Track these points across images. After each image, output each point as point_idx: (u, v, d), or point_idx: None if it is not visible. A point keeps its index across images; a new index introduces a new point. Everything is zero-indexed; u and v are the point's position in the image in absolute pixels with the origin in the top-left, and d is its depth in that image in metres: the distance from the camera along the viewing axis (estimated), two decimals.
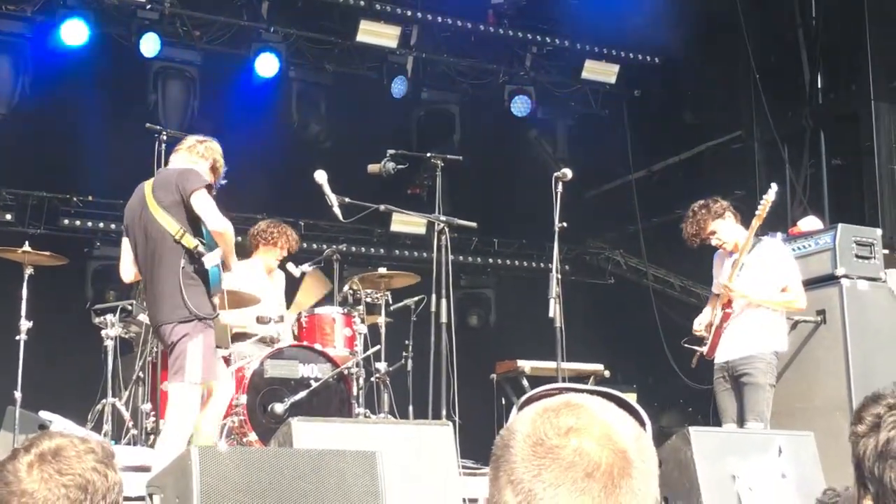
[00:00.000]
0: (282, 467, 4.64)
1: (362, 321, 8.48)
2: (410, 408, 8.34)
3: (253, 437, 7.52)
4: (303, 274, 8.94)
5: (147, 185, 6.36)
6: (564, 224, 7.22)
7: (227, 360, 8.18)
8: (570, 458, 1.50)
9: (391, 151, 7.82)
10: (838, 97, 11.35)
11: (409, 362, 8.75)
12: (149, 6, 11.08)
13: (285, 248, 8.80)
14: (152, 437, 7.80)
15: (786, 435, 6.41)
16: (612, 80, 13.47)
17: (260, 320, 8.17)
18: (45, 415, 7.28)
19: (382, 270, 8.77)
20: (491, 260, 14.17)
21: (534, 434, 1.53)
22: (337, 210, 7.20)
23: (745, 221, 7.29)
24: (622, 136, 13.69)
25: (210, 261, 6.14)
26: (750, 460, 5.97)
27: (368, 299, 8.63)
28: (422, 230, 12.86)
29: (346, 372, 8.09)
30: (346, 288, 8.72)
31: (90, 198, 11.86)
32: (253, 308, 7.98)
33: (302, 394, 7.79)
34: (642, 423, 1.63)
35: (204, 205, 6.10)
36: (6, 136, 10.99)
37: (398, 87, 12.48)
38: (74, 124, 11.29)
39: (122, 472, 2.41)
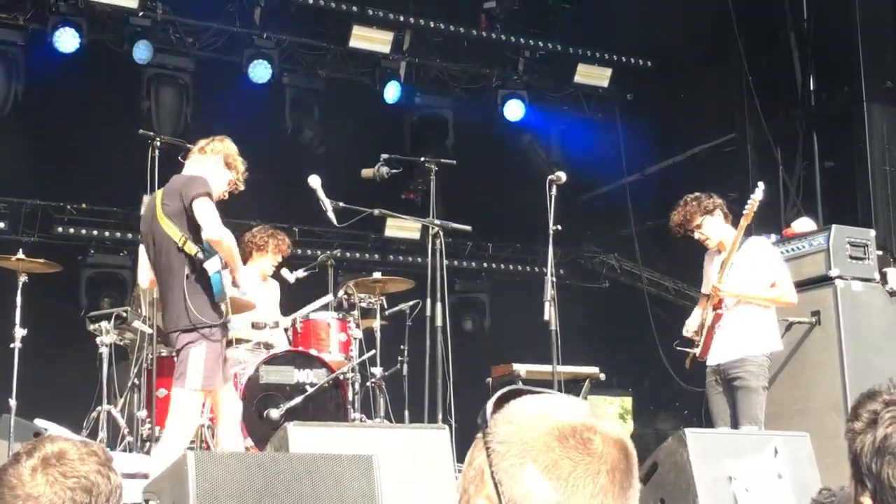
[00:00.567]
0: (278, 471, 4.63)
1: (357, 326, 8.48)
2: (406, 412, 8.36)
3: (249, 442, 7.51)
4: (297, 279, 8.94)
5: (159, 193, 6.40)
6: (559, 227, 7.22)
7: None
8: (600, 450, 1.52)
9: (385, 156, 7.82)
10: (831, 99, 11.36)
11: (405, 367, 8.75)
12: (141, 13, 11.07)
13: (277, 253, 8.81)
14: (148, 443, 7.79)
15: (781, 436, 6.41)
16: (605, 83, 13.50)
17: (255, 326, 8.17)
18: (40, 423, 7.26)
19: (377, 275, 8.78)
20: (485, 264, 14.19)
21: (560, 428, 1.52)
22: (331, 215, 7.20)
23: (737, 223, 7.27)
24: (615, 140, 13.70)
25: (211, 267, 6.16)
26: (746, 461, 5.97)
27: (363, 304, 8.64)
28: (416, 235, 12.87)
29: (341, 377, 8.09)
30: (340, 293, 8.72)
31: (84, 205, 11.85)
32: (248, 314, 7.97)
33: (297, 399, 7.78)
34: None
35: (203, 212, 6.10)
36: None
37: (391, 92, 12.49)
38: (67, 132, 11.30)
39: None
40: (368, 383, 8.52)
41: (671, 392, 12.24)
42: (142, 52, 11.09)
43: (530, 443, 1.53)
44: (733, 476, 5.83)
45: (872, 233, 8.51)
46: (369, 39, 12.21)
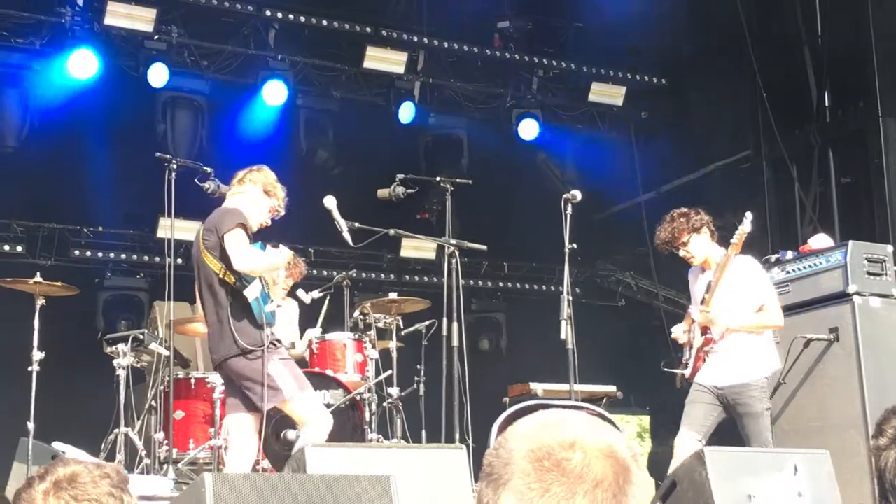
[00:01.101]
0: (295, 493, 4.62)
1: (373, 346, 8.48)
2: (423, 432, 8.34)
3: (266, 464, 7.50)
4: (313, 300, 8.95)
5: (200, 227, 6.55)
6: (574, 246, 7.21)
7: None
8: (579, 469, 1.50)
9: (400, 176, 7.84)
10: (846, 114, 11.34)
11: (422, 387, 8.75)
12: (156, 37, 11.13)
13: (289, 277, 8.82)
14: (165, 465, 7.79)
15: (801, 453, 6.37)
16: (619, 101, 13.49)
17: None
18: (58, 445, 7.27)
19: (393, 296, 8.77)
20: (501, 284, 14.16)
21: (538, 449, 1.52)
22: (347, 235, 7.20)
23: (747, 245, 7.14)
24: (630, 158, 13.69)
25: (251, 294, 6.32)
26: (765, 480, 5.93)
27: (379, 324, 8.64)
28: (432, 255, 12.87)
29: (358, 397, 8.09)
30: (356, 313, 8.73)
31: (100, 228, 11.88)
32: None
33: None
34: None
35: (230, 246, 6.24)
36: (16, 169, 11.03)
37: (406, 113, 12.51)
38: (84, 155, 11.34)
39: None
40: (385, 404, 8.51)
41: None
42: (157, 75, 11.14)
43: (509, 466, 1.53)
44: (753, 494, 5.79)
45: (890, 248, 8.46)
46: (383, 60, 12.24)
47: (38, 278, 7.68)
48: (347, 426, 8.00)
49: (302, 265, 9.00)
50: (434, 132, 13.31)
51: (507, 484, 1.51)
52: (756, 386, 7.04)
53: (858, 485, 7.13)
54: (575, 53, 13.39)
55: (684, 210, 7.28)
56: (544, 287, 14.12)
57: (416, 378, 8.80)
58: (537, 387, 8.97)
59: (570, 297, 6.96)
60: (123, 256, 11.96)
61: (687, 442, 6.94)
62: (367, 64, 12.12)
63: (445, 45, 12.76)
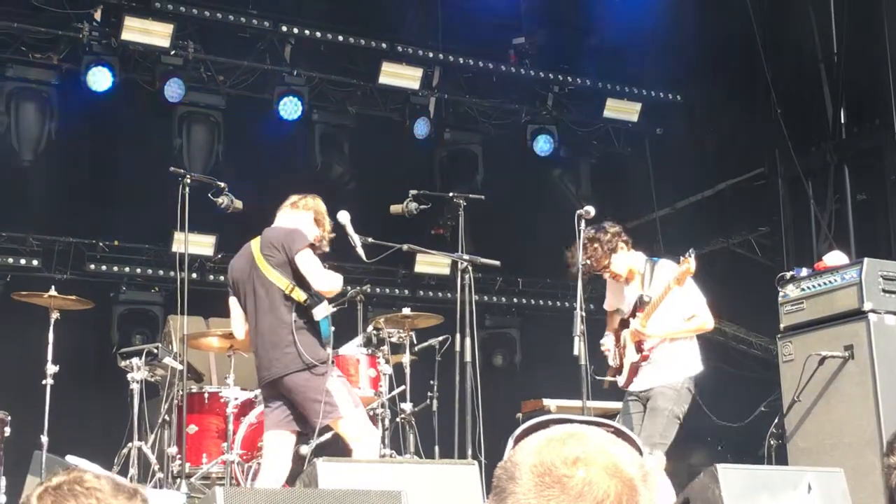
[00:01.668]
0: None
1: (387, 361, 8.48)
2: (436, 448, 8.33)
3: None
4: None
5: (254, 245, 6.60)
6: (588, 262, 7.20)
7: (252, 402, 8.21)
8: (580, 487, 1.48)
9: (414, 192, 7.85)
10: (861, 132, 11.31)
11: (435, 402, 8.74)
12: (173, 52, 11.19)
13: None
14: (178, 480, 7.80)
15: (815, 472, 6.35)
16: (635, 118, 13.50)
17: None
18: (71, 459, 7.29)
19: (407, 311, 8.77)
20: (515, 300, 14.14)
21: (541, 465, 1.51)
22: (360, 250, 7.21)
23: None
24: (645, 175, 13.68)
25: (319, 313, 6.45)
26: (779, 498, 5.91)
27: (393, 339, 8.64)
28: (445, 270, 12.87)
29: (371, 412, 8.08)
30: (370, 328, 8.73)
31: (116, 242, 11.92)
32: None
33: (327, 435, 7.76)
34: (639, 451, 1.63)
35: (308, 266, 6.37)
36: (32, 183, 11.10)
37: (421, 128, 12.53)
38: (100, 170, 11.41)
39: None
40: (398, 419, 8.51)
41: (704, 427, 12.13)
42: (173, 90, 11.19)
43: (513, 480, 1.52)
44: None
45: None
46: (399, 76, 12.27)
47: (53, 292, 7.72)
48: None
49: None
50: (449, 148, 13.33)
51: (509, 498, 1.51)
52: (670, 387, 7.04)
53: (873, 503, 7.09)
54: (590, 70, 13.40)
55: (591, 234, 7.11)
56: (558, 303, 14.09)
57: (429, 393, 8.80)
58: (550, 403, 8.96)
59: (584, 314, 6.93)
60: (138, 271, 11.99)
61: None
62: (382, 79, 12.15)
63: (461, 60, 12.79)
